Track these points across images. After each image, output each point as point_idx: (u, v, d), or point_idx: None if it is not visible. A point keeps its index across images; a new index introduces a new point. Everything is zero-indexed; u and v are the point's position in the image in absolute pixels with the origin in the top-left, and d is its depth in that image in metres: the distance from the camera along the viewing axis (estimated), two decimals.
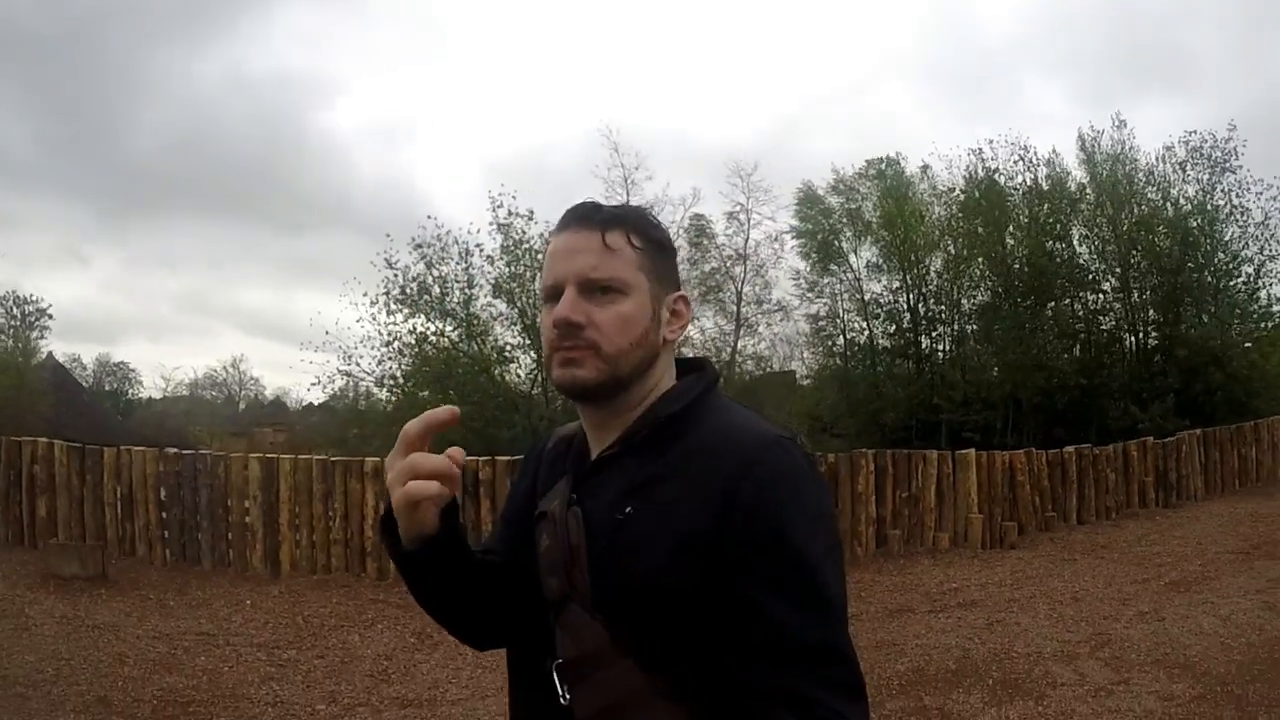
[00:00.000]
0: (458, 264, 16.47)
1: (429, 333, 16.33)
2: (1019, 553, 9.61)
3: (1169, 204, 19.06)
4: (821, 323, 22.87)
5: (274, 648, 6.50)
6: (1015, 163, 20.16)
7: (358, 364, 16.28)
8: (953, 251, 21.07)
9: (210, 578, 8.42)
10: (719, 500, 1.02)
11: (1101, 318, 20.41)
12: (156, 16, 59.67)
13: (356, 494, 8.64)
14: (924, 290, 21.74)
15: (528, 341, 16.77)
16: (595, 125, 52.69)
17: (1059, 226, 19.88)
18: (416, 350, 16.30)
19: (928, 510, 10.08)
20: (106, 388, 32.89)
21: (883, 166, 22.34)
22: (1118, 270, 19.52)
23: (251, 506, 8.68)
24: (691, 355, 1.28)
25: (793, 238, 22.16)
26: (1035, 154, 20.13)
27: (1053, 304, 20.08)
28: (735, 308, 20.18)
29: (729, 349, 19.77)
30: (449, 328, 16.52)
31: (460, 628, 1.27)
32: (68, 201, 56.09)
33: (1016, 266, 19.86)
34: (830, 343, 23.16)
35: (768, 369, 21.88)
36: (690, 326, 1.12)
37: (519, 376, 17.50)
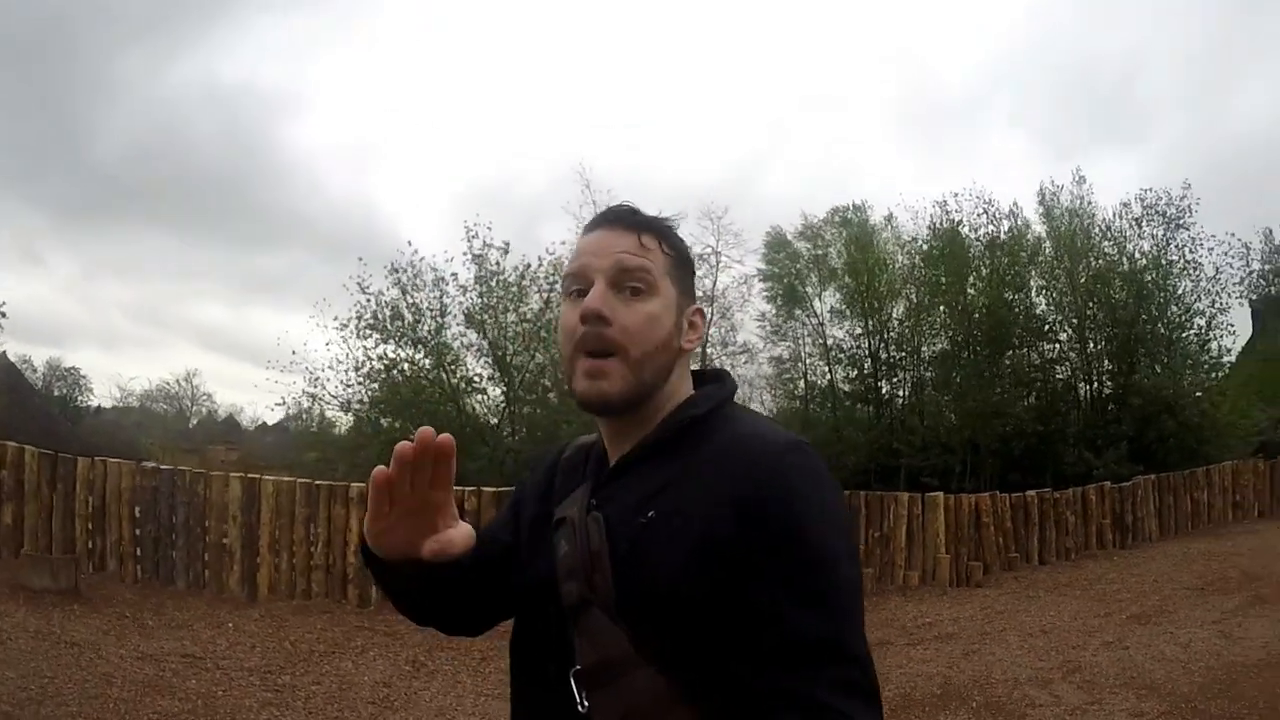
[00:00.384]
0: (431, 292, 16.51)
1: (399, 359, 16.32)
2: (985, 590, 9.91)
3: (1125, 258, 19.79)
4: (785, 365, 23.31)
5: (266, 672, 6.40)
6: (979, 215, 20.89)
7: (323, 387, 16.23)
8: (914, 299, 21.60)
9: (185, 598, 8.23)
10: (739, 503, 1.02)
11: (1058, 366, 21.04)
12: (127, 21, 59.16)
13: (340, 519, 8.55)
14: (885, 336, 22.18)
15: (497, 373, 16.85)
16: (560, 158, 53.30)
17: (1018, 278, 20.56)
18: (384, 377, 16.27)
19: (898, 549, 10.35)
20: (56, 393, 31.04)
21: (848, 214, 22.97)
22: (1074, 321, 20.21)
23: (230, 527, 8.53)
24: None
25: (760, 280, 22.66)
26: (998, 207, 20.89)
27: (1011, 353, 20.71)
28: (701, 350, 20.38)
29: None
30: (419, 355, 16.52)
31: (443, 625, 1.32)
32: (23, 200, 54.42)
33: (977, 316, 20.41)
34: (792, 385, 23.57)
35: None
36: None
37: (486, 408, 17.55)
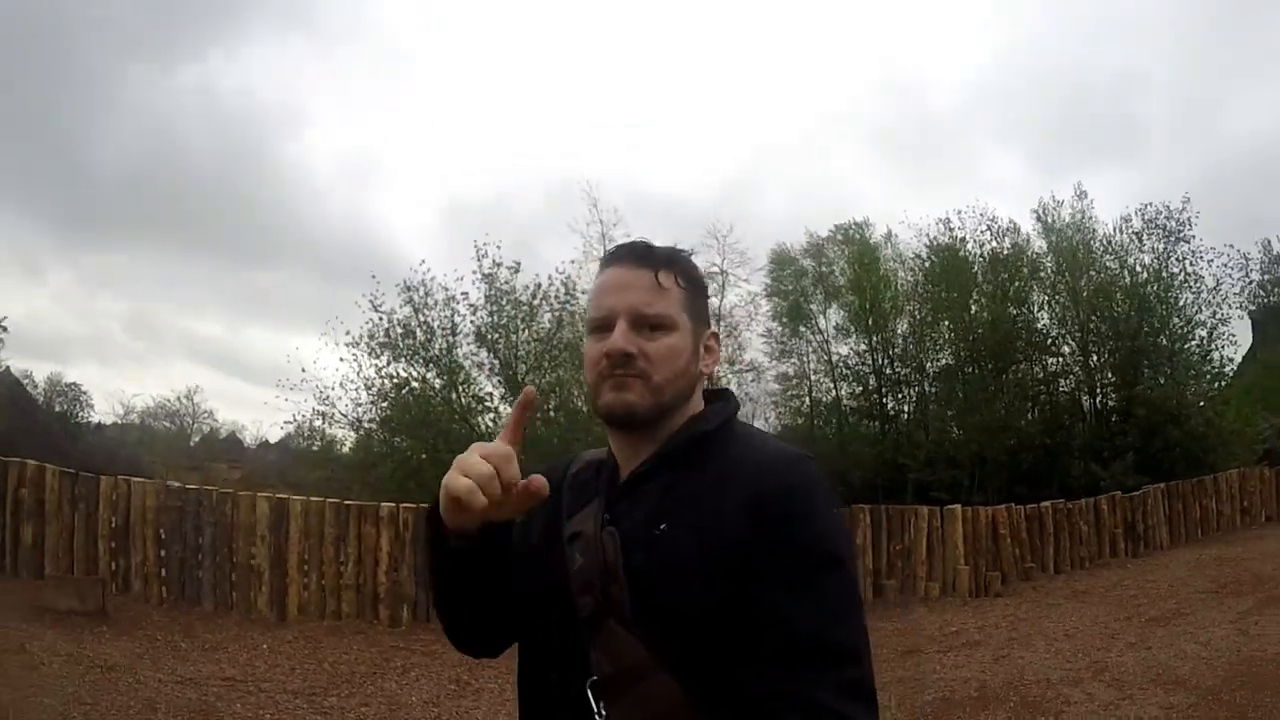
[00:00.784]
0: (442, 310, 16.50)
1: (410, 378, 16.30)
2: (1005, 600, 10.01)
3: (1126, 272, 20.00)
4: (790, 381, 23.44)
5: (311, 695, 6.37)
6: (982, 231, 21.12)
7: (333, 405, 16.15)
8: (918, 316, 21.82)
9: (214, 619, 8.20)
10: (747, 513, 1.07)
11: (1061, 380, 21.20)
12: (127, 35, 59.27)
13: (371, 538, 8.58)
14: (889, 352, 22.38)
15: (508, 392, 16.87)
16: (556, 175, 53.57)
17: (1020, 293, 20.76)
18: (394, 396, 16.25)
19: (919, 562, 10.48)
20: (57, 409, 30.57)
21: (850, 231, 23.23)
22: (1077, 335, 20.41)
23: (259, 547, 8.52)
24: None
25: (765, 297, 22.88)
26: (1000, 224, 21.13)
27: (1014, 367, 20.87)
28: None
29: None
30: (430, 374, 16.51)
31: (467, 630, 1.27)
32: (22, 213, 54.01)
33: (980, 331, 20.58)
34: (798, 402, 23.70)
35: None
36: None
37: (496, 426, 17.53)
